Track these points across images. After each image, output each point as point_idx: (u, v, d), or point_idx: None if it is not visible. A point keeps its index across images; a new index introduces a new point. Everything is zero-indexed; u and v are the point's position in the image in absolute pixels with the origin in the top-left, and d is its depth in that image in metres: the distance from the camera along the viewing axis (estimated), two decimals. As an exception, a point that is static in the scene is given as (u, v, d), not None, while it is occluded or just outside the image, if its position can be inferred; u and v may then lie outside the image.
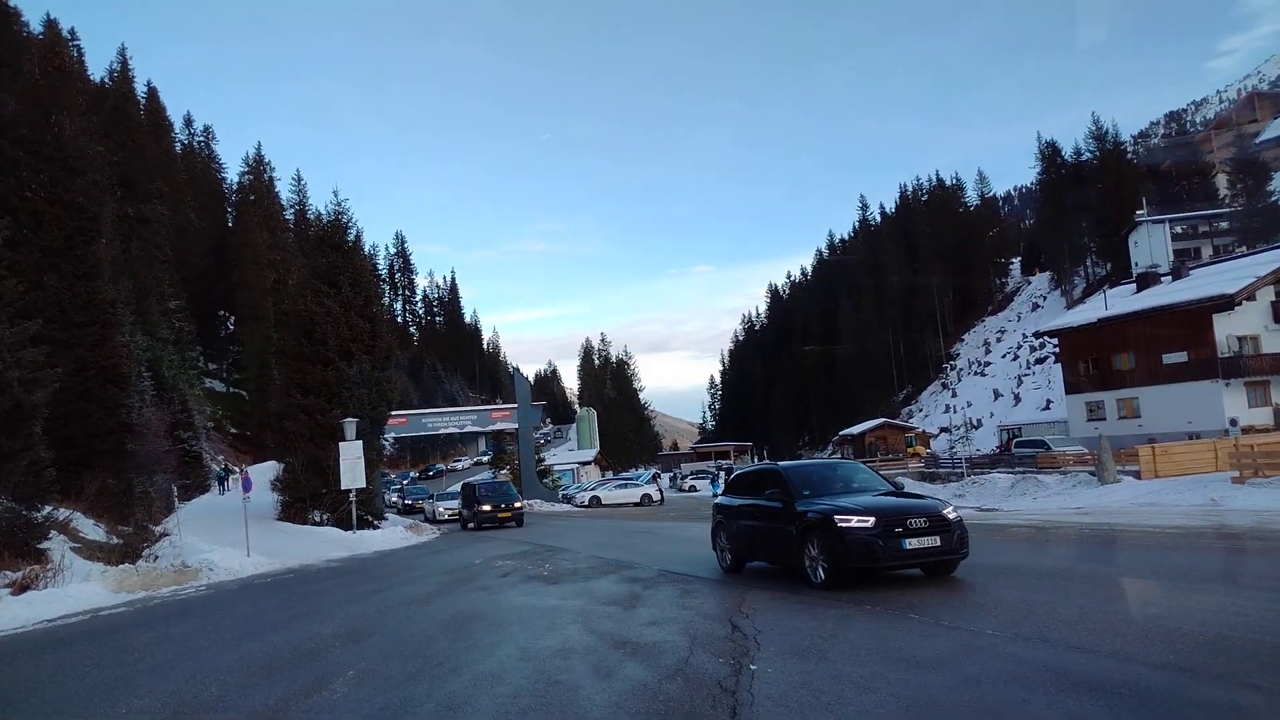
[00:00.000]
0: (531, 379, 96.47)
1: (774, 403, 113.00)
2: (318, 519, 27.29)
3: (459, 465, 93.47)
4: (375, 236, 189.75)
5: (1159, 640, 6.15)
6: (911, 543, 9.08)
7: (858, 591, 9.30)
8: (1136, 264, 67.47)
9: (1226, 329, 38.62)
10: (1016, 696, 5.03)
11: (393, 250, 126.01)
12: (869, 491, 10.42)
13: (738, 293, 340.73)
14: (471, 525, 30.59)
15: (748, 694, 5.46)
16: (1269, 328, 39.34)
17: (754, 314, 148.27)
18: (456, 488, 44.09)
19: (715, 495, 50.81)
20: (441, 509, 38.06)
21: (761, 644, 7.01)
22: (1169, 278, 46.32)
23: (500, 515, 30.05)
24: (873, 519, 9.15)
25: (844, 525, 9.16)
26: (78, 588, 13.82)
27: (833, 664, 6.23)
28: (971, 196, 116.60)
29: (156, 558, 17.36)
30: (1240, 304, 37.91)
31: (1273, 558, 10.42)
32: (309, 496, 27.35)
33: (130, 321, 25.35)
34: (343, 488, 25.58)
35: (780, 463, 12.29)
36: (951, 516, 9.45)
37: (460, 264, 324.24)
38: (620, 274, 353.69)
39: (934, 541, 9.19)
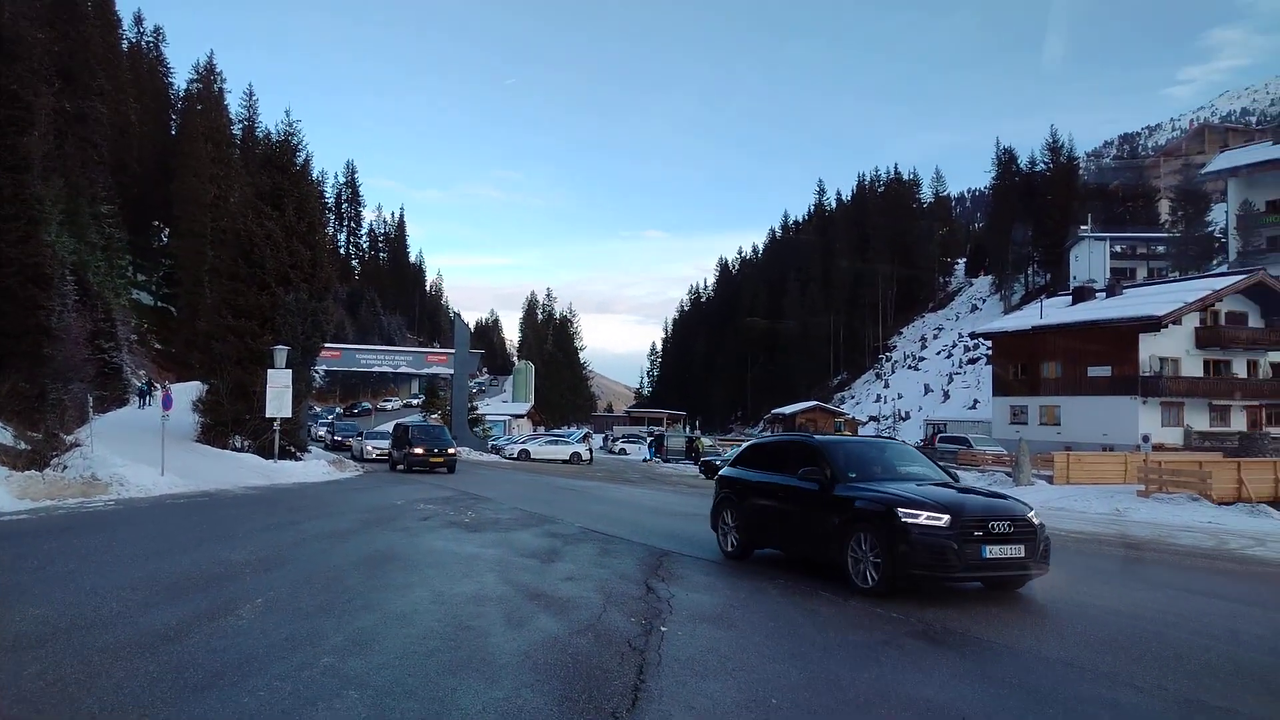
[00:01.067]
0: (472, 326, 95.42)
1: (712, 375, 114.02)
2: (238, 445, 26.72)
3: (388, 406, 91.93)
4: (325, 164, 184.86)
5: (1051, 635, 6.42)
6: (992, 550, 7.40)
7: (771, 566, 9.48)
8: (1075, 277, 69.50)
9: (1151, 349, 40.13)
10: (913, 678, 5.20)
11: (342, 180, 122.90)
12: (925, 480, 8.66)
13: (687, 262, 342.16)
14: (401, 467, 29.59)
15: (655, 654, 5.54)
16: (1190, 352, 41.02)
17: (702, 286, 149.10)
18: (386, 426, 43.47)
19: (647, 460, 51.63)
20: (370, 447, 37.27)
21: (674, 608, 7.12)
22: (1103, 294, 47.86)
23: (433, 460, 28.87)
24: (947, 516, 7.42)
25: (910, 522, 7.43)
26: (-22, 490, 13.32)
27: (741, 632, 6.37)
28: (926, 194, 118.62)
29: (65, 467, 16.79)
30: (1167, 326, 39.40)
31: (1166, 567, 10.93)
32: (231, 421, 26.72)
33: (58, 221, 24.22)
34: (267, 415, 25.06)
35: (815, 436, 10.43)
36: (1036, 521, 7.83)
37: (410, 202, 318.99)
38: (572, 230, 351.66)
39: (1017, 551, 7.52)
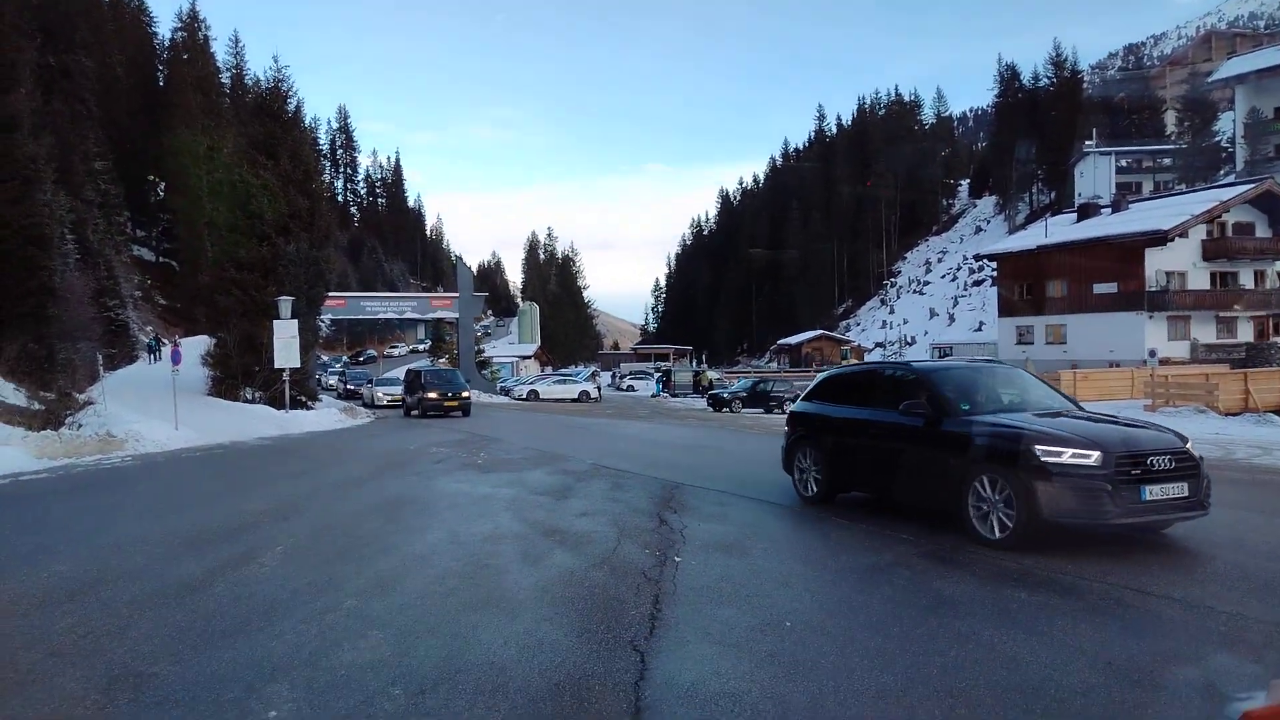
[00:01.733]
0: (475, 269, 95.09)
1: (717, 309, 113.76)
2: (250, 397, 26.88)
3: (395, 351, 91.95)
4: (317, 109, 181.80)
5: (1059, 551, 6.48)
6: (1152, 491, 6.28)
7: (785, 496, 9.57)
8: (1080, 194, 68.60)
9: (1157, 264, 39.82)
10: (924, 601, 5.30)
11: (335, 125, 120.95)
12: (1047, 410, 7.54)
13: (689, 196, 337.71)
14: (415, 413, 29.30)
15: (670, 584, 5.64)
16: (1196, 265, 40.70)
17: (703, 218, 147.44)
18: (396, 373, 43.58)
19: (655, 396, 51.87)
20: (381, 394, 37.08)
21: (687, 538, 7.22)
22: (1108, 210, 47.28)
23: (447, 404, 28.62)
24: (1097, 453, 6.26)
25: (1050, 460, 6.28)
26: (-4, 451, 13.48)
27: (753, 560, 6.47)
28: (928, 115, 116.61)
29: (80, 426, 16.95)
30: (1173, 240, 39.02)
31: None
32: (241, 373, 26.84)
33: (52, 180, 23.96)
34: (276, 366, 25.17)
35: (913, 363, 9.04)
36: (1197, 455, 6.72)
37: (406, 145, 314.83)
38: (571, 167, 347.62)
39: (1180, 490, 6.41)
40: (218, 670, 4.08)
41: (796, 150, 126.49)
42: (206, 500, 10.20)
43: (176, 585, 5.74)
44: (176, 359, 20.84)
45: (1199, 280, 40.85)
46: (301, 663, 4.17)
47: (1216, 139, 69.95)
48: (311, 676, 3.97)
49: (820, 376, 9.97)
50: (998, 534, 6.58)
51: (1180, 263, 40.34)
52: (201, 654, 4.32)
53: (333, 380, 50.38)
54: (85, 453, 14.97)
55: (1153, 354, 37.27)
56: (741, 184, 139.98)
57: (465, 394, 29.59)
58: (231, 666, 4.13)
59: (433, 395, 28.69)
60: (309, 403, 28.74)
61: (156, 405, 20.06)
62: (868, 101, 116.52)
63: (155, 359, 38.45)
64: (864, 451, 8.34)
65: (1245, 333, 41.41)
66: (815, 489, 8.88)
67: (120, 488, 11.62)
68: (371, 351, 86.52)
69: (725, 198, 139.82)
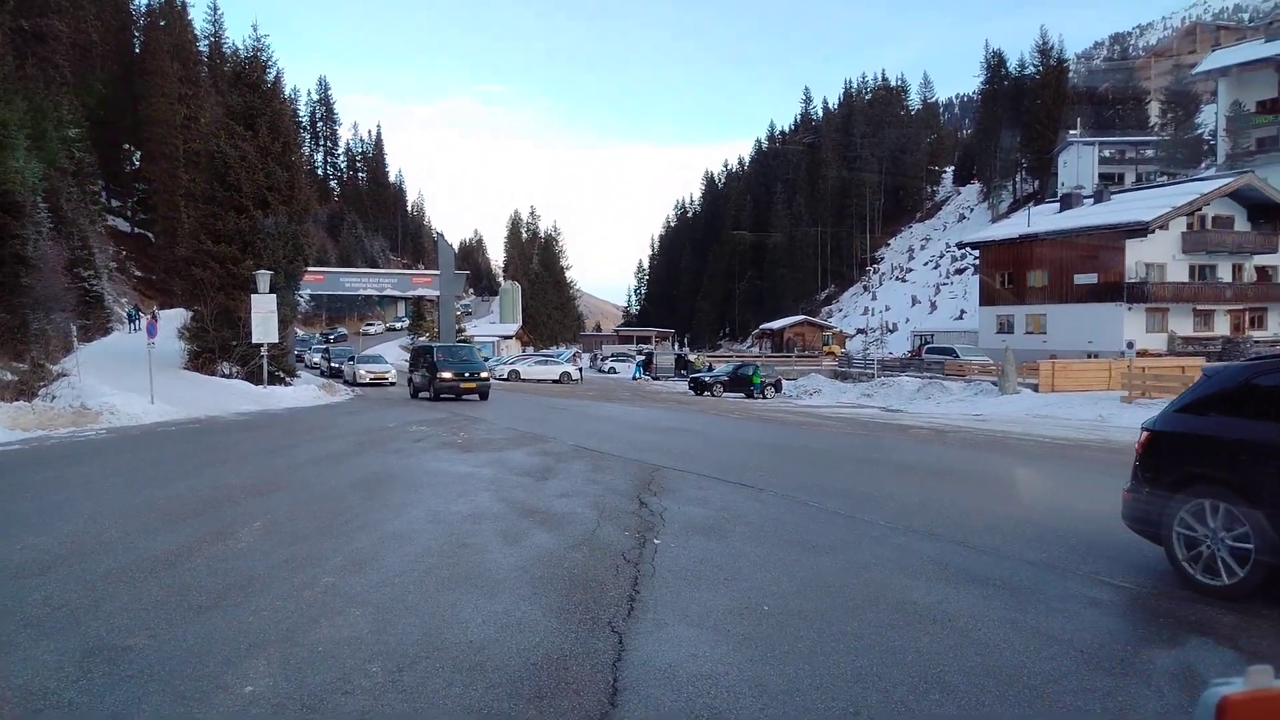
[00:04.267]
0: (456, 247, 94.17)
1: (700, 292, 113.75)
2: (227, 371, 26.66)
3: (370, 330, 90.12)
4: (298, 81, 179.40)
5: (1034, 540, 6.59)
6: None
7: (764, 480, 9.62)
8: (1063, 184, 68.95)
9: (1138, 255, 40.14)
10: (900, 582, 5.35)
11: (315, 97, 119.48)
12: None
13: (675, 178, 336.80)
14: (425, 395, 25.83)
15: (650, 565, 5.66)
16: (1176, 257, 41.05)
17: (688, 201, 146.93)
18: (378, 349, 43.11)
19: (636, 378, 52.07)
20: (363, 371, 35.89)
21: (667, 520, 7.25)
22: (1091, 200, 47.58)
23: (464, 386, 25.19)
24: None
25: None
26: (-32, 422, 13.31)
27: (732, 543, 6.50)
28: (914, 100, 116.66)
29: (54, 397, 16.74)
30: (1154, 232, 39.30)
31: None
32: (218, 348, 26.60)
33: (25, 147, 23.48)
34: (254, 341, 24.97)
35: None
36: None
37: (391, 118, 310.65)
38: (556, 146, 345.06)
39: None
40: (194, 645, 4.06)
41: (782, 133, 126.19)
42: (183, 474, 10.12)
43: (152, 559, 5.70)
44: (152, 332, 20.59)
45: (1178, 273, 41.25)
46: (278, 638, 4.15)
47: (1199, 131, 70.39)
48: (288, 652, 3.96)
49: (1218, 375, 5.89)
50: None
51: (1160, 254, 40.69)
52: (178, 628, 4.29)
53: (317, 358, 49.21)
54: (59, 425, 14.81)
55: (1130, 346, 37.66)
56: (726, 166, 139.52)
57: (484, 374, 26.51)
58: (208, 641, 4.11)
59: (447, 375, 25.15)
60: (287, 379, 28.51)
61: (132, 378, 19.83)
62: (854, 85, 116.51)
63: (134, 329, 38.04)
64: None
65: (1222, 326, 41.90)
66: (1237, 571, 4.97)
67: (95, 460, 11.50)
68: (343, 330, 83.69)
69: (710, 180, 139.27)
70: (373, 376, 35.10)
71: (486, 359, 32.73)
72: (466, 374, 25.43)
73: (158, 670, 3.73)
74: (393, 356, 49.72)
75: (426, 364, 26.32)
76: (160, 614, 4.52)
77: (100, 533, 6.58)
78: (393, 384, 34.00)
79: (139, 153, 65.44)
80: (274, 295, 25.14)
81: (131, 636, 4.16)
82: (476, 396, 25.32)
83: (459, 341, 33.17)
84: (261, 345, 25.07)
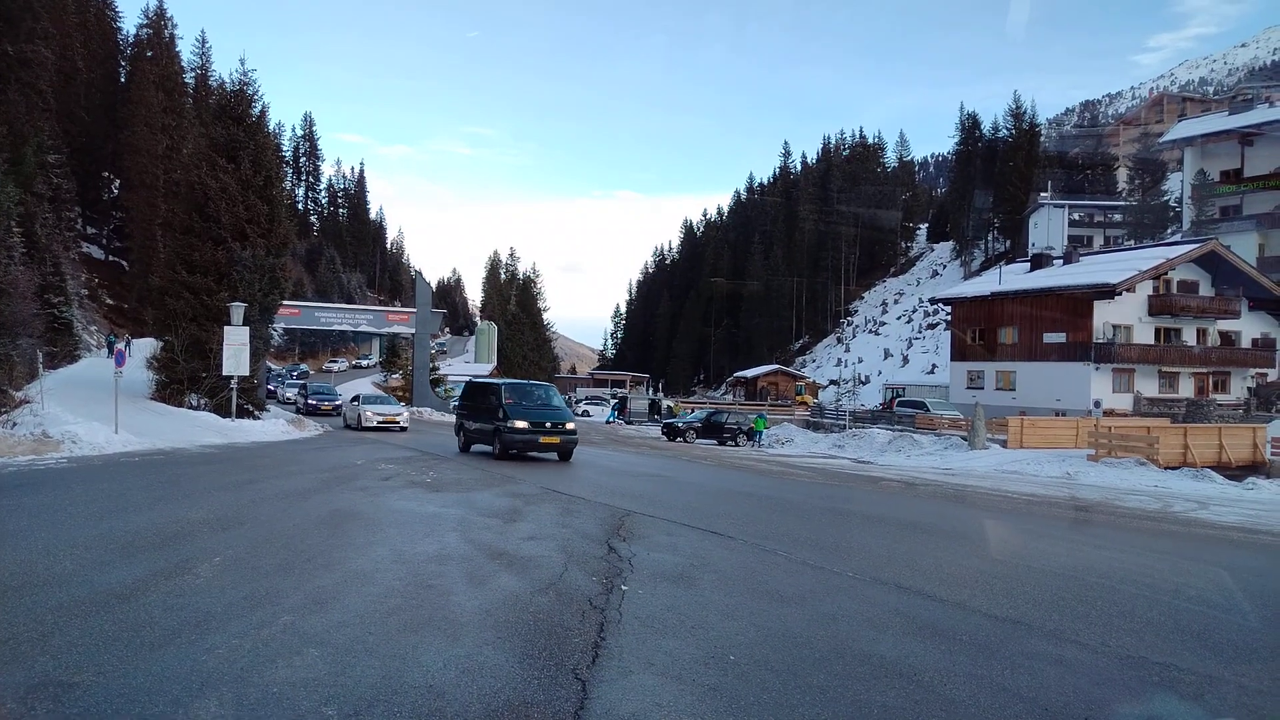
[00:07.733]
0: (435, 285, 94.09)
1: (676, 338, 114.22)
2: (195, 403, 26.26)
3: (335, 367, 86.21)
4: (283, 116, 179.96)
5: (1001, 595, 6.60)
6: None
7: (736, 526, 9.59)
8: (1034, 244, 70.46)
9: (1105, 316, 40.94)
10: (867, 635, 5.33)
11: (300, 133, 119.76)
12: None
13: (654, 225, 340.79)
14: (494, 450, 19.25)
15: (616, 613, 5.60)
16: (1142, 319, 41.93)
17: (666, 248, 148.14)
18: (351, 387, 41.56)
19: (609, 422, 51.67)
20: (370, 414, 30.47)
21: (635, 567, 7.19)
22: (1060, 261, 48.63)
23: (545, 440, 18.77)
24: None
25: None
26: (-77, 447, 12.97)
27: (701, 591, 6.45)
28: (891, 158, 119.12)
29: (15, 425, 16.42)
30: (1121, 294, 40.16)
31: (1113, 529, 11.27)
32: (187, 379, 26.23)
33: (1, 170, 23.30)
34: (224, 374, 24.67)
35: None
36: None
37: (376, 158, 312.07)
38: (540, 189, 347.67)
39: None
40: (144, 683, 3.94)
41: (761, 184, 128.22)
42: (143, 506, 9.90)
43: (106, 593, 5.55)
44: (120, 360, 20.27)
45: (1144, 334, 42.10)
46: (232, 678, 4.05)
47: (1165, 198, 72.34)
48: (242, 693, 3.86)
49: None
50: None
51: (1127, 316, 41.54)
52: (128, 665, 4.17)
53: (291, 394, 46.23)
54: (19, 452, 14.48)
55: (1097, 405, 38.19)
56: (706, 215, 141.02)
57: (570, 425, 19.61)
58: (159, 679, 3.99)
59: (521, 425, 18.52)
60: (256, 413, 28.13)
61: (97, 407, 19.49)
62: (833, 141, 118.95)
63: (109, 355, 37.40)
64: None
65: (1187, 388, 42.66)
66: None
67: (54, 489, 11.24)
68: (304, 367, 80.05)
69: (689, 228, 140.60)
70: (382, 420, 30.51)
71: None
72: (548, 424, 18.94)
73: (103, 709, 3.62)
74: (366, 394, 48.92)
75: (488, 408, 19.87)
76: (110, 650, 4.39)
77: (53, 564, 6.40)
78: (404, 429, 31.18)
79: (118, 181, 65.13)
80: (247, 328, 24.92)
81: (79, 673, 4.03)
82: (555, 455, 19.26)
83: (529, 381, 24.87)
84: (232, 378, 24.77)
